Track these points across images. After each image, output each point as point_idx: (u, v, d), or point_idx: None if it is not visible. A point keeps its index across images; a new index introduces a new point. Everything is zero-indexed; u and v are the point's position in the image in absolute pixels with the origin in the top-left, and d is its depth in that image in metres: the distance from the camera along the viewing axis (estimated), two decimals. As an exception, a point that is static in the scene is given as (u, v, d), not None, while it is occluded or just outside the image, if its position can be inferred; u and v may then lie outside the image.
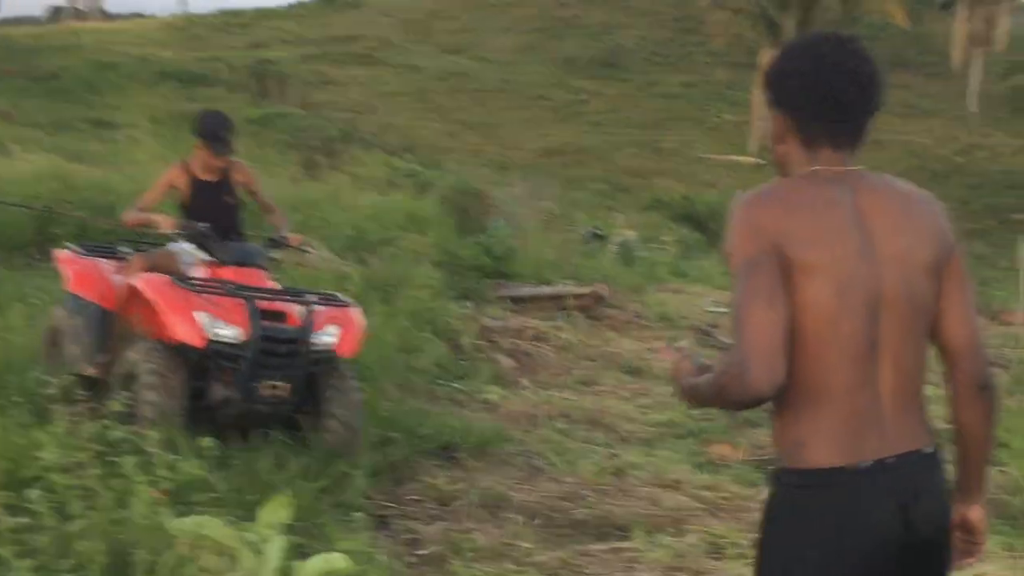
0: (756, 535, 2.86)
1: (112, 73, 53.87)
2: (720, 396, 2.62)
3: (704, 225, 32.35)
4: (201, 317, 6.61)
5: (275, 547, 4.95)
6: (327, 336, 6.94)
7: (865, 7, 58.22)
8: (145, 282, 6.87)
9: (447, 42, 67.67)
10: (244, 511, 5.53)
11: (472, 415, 8.99)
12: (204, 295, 6.76)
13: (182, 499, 5.54)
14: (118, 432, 5.56)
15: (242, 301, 6.75)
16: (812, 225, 2.65)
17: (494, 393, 9.78)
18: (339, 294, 7.66)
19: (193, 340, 6.58)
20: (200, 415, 6.66)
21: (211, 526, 5.09)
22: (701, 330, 13.38)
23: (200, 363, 6.76)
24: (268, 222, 8.16)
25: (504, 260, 13.92)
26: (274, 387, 6.77)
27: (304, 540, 5.52)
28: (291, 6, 75.02)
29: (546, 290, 13.46)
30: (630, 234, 19.27)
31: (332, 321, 7.02)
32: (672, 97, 60.57)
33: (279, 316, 6.94)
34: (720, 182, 47.86)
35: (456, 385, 9.85)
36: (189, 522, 5.08)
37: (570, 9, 73.83)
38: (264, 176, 19.75)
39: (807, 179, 2.75)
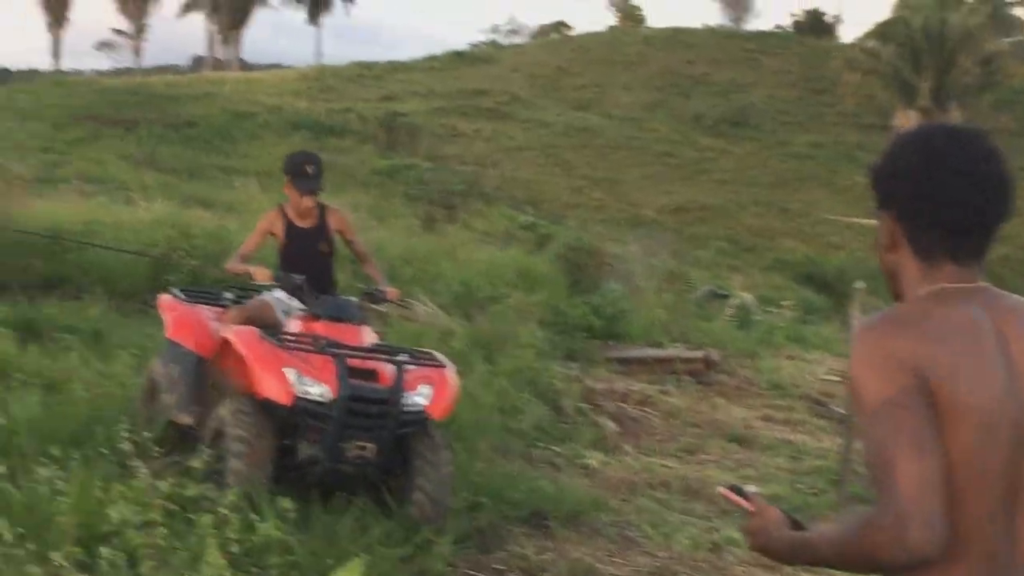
0: None
1: (247, 122, 55.23)
2: (866, 557, 2.23)
3: (828, 287, 31.80)
4: (290, 374, 6.46)
5: (343, 616, 4.83)
6: (418, 397, 6.73)
7: (1003, 71, 57.06)
8: (236, 335, 6.77)
9: (574, 98, 67.96)
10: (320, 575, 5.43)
11: (568, 480, 8.76)
12: (294, 351, 6.63)
13: (257, 561, 5.46)
14: (193, 490, 5.49)
15: (331, 358, 6.57)
16: (955, 356, 2.27)
17: (594, 458, 9.54)
18: (435, 353, 7.38)
19: (280, 397, 6.44)
20: (285, 473, 6.54)
21: (281, 591, 4.99)
22: (814, 400, 13.01)
23: (288, 420, 6.61)
24: (364, 272, 8.04)
25: (614, 321, 13.71)
26: (361, 448, 6.57)
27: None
28: (424, 59, 76.09)
29: (655, 353, 13.21)
30: (747, 296, 18.89)
31: (425, 381, 6.81)
32: (801, 157, 59.91)
33: (370, 375, 6.71)
34: (847, 244, 47.10)
35: (555, 448, 9.64)
36: (260, 586, 5.00)
37: (698, 67, 73.67)
38: (384, 228, 19.95)
39: (936, 299, 2.37)
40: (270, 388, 6.44)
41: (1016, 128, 63.45)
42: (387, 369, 6.74)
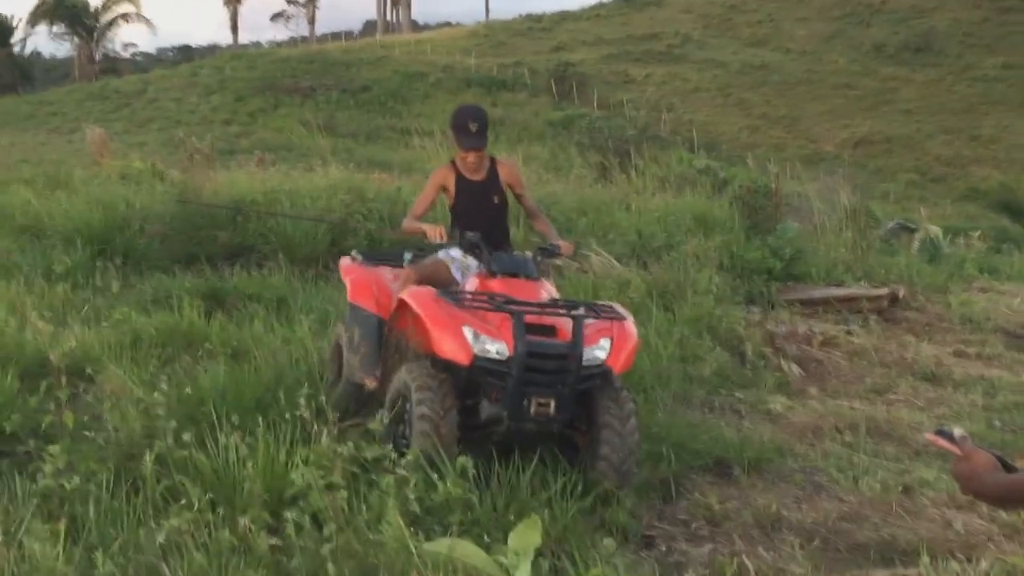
0: None
1: (419, 83, 55.94)
2: None
3: (1024, 215, 30.60)
4: (467, 332, 6.32)
5: (523, 573, 4.83)
6: (598, 351, 6.51)
7: None
8: (412, 295, 6.64)
9: (749, 35, 66.70)
10: (503, 532, 5.45)
11: (752, 427, 8.60)
12: (471, 309, 6.49)
13: (439, 520, 5.50)
14: (373, 452, 5.57)
15: (508, 315, 6.41)
16: None
17: (778, 403, 9.33)
18: (614, 305, 7.10)
19: (459, 357, 6.31)
20: (469, 433, 6.42)
21: (463, 549, 5.02)
22: (1009, 333, 12.51)
23: (469, 380, 6.47)
24: (535, 228, 7.88)
25: (794, 261, 13.39)
26: (543, 405, 6.39)
27: (559, 564, 5.37)
28: (592, 7, 75.64)
29: (838, 292, 12.86)
30: (934, 228, 18.27)
31: (604, 334, 6.60)
32: (989, 80, 57.67)
33: (548, 330, 6.52)
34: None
35: (738, 395, 9.46)
36: (441, 544, 5.03)
37: (877, -7, 71.35)
38: (559, 180, 19.90)
39: None
40: (448, 348, 6.33)
41: None
42: (566, 324, 6.54)
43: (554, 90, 54.20)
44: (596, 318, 6.66)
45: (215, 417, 6.03)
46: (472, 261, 7.12)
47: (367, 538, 5.01)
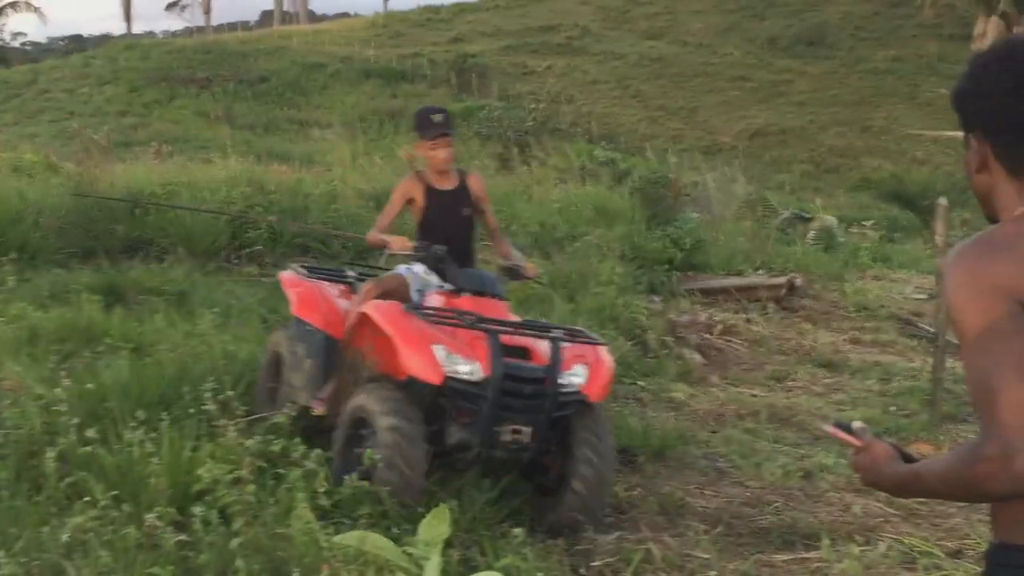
0: None
1: (318, 74, 55.48)
2: (972, 488, 2.20)
3: (914, 204, 31.29)
4: (438, 351, 5.92)
5: (433, 564, 4.86)
6: (574, 377, 6.14)
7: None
8: (377, 310, 6.20)
9: (646, 27, 67.26)
10: (412, 524, 5.46)
11: (655, 415, 8.71)
12: (441, 326, 6.09)
13: (348, 513, 5.50)
14: (280, 446, 5.55)
15: (483, 335, 6.03)
16: None
17: (680, 391, 9.48)
18: (585, 329, 6.85)
19: (430, 377, 5.88)
20: (434, 459, 6.01)
21: (373, 541, 5.02)
22: (902, 319, 12.82)
23: (434, 402, 6.09)
24: (494, 247, 7.40)
25: (694, 251, 13.59)
26: (517, 432, 6.02)
27: (469, 554, 5.40)
28: (490, -1, 75.58)
29: (737, 281, 13.08)
30: (830, 218, 18.63)
31: (579, 360, 6.23)
32: (880, 73, 58.82)
33: (522, 352, 6.15)
34: (932, 159, 46.25)
35: (641, 384, 9.58)
36: (351, 537, 5.03)
37: (771, -13, 72.37)
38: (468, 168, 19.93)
39: None
40: (418, 367, 5.90)
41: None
42: (539, 346, 6.20)
43: (454, 81, 54.14)
44: (572, 342, 6.34)
45: (118, 413, 5.96)
46: (434, 278, 6.70)
47: (276, 532, 4.99)
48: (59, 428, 5.78)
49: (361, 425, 5.98)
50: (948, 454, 2.36)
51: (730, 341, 11.22)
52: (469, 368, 5.92)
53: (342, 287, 7.39)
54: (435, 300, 6.49)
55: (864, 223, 20.94)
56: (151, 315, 8.94)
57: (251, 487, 5.05)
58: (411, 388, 5.97)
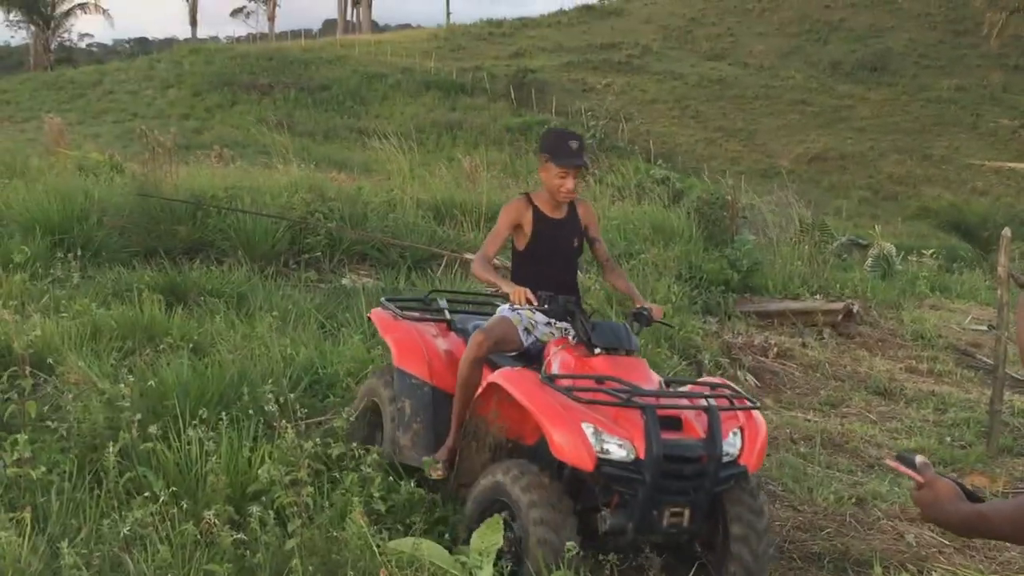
0: None
1: (378, 84, 55.86)
2: None
3: (973, 235, 31.00)
4: (587, 430, 5.30)
5: (485, 573, 4.88)
6: (728, 446, 5.56)
7: None
8: (511, 382, 5.55)
9: (708, 48, 67.13)
10: (465, 533, 5.49)
11: (708, 436, 8.69)
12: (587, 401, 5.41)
13: (402, 519, 5.54)
14: (338, 449, 5.59)
15: (636, 409, 5.38)
16: None
17: (734, 413, 9.44)
18: (731, 384, 6.12)
19: (581, 462, 5.26)
20: (584, 545, 5.41)
21: (427, 548, 5.05)
22: (959, 350, 12.70)
23: (579, 481, 5.54)
24: (611, 284, 6.64)
25: (750, 273, 13.53)
26: (676, 515, 5.43)
27: (523, 564, 5.41)
28: (553, 14, 75.80)
29: (793, 305, 13.01)
30: (888, 246, 18.49)
31: (732, 425, 5.65)
32: (943, 102, 58.39)
33: (674, 423, 5.51)
34: (992, 190, 45.82)
35: (694, 404, 9.55)
36: (406, 543, 5.06)
37: (835, 12, 72.07)
38: (518, 186, 19.97)
39: None
40: (569, 451, 5.27)
41: None
42: (690, 414, 5.59)
43: (513, 96, 54.32)
44: (727, 409, 5.70)
45: (179, 411, 6.03)
46: (539, 317, 6.16)
47: (331, 535, 5.03)
48: (121, 423, 5.84)
49: (499, 503, 5.44)
50: (1019, 498, 2.33)
51: (785, 364, 11.17)
52: (623, 449, 5.30)
53: (439, 326, 6.83)
54: (562, 358, 5.83)
55: (923, 252, 20.75)
56: (211, 316, 9.03)
57: (308, 489, 5.09)
58: (553, 465, 5.45)
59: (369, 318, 7.11)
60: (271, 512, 5.09)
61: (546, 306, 5.86)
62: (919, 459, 2.47)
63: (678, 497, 5.38)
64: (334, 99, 52.25)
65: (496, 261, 6.31)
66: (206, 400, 6.45)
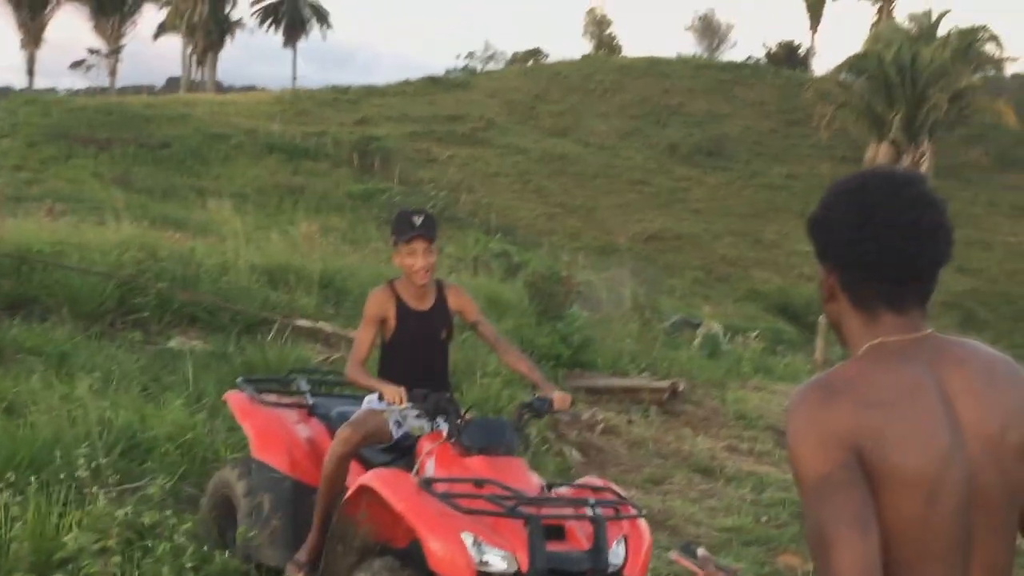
0: None
1: (221, 144, 55.23)
2: None
3: (799, 318, 32.00)
4: (467, 540, 5.00)
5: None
6: (613, 557, 5.27)
7: (974, 106, 57.62)
8: (386, 485, 5.25)
9: (551, 125, 68.21)
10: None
11: (531, 510, 8.74)
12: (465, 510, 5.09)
13: (213, 590, 5.45)
14: (150, 518, 5.48)
15: (519, 519, 5.08)
16: (892, 423, 2.21)
17: (558, 487, 9.52)
18: (619, 491, 5.77)
19: (459, 573, 4.98)
20: None
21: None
22: (779, 431, 13.05)
23: None
24: (508, 366, 6.34)
25: (581, 349, 13.73)
26: None
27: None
28: (399, 83, 76.17)
29: (621, 382, 13.24)
30: (716, 326, 18.97)
31: (615, 534, 5.34)
32: (775, 188, 60.34)
33: (557, 532, 5.22)
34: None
35: (519, 477, 9.61)
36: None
37: (675, 96, 74.13)
38: (356, 252, 19.92)
39: (874, 358, 2.30)
40: (445, 562, 4.98)
41: (987, 163, 64.11)
42: (575, 523, 5.30)
43: (356, 162, 54.29)
44: (614, 517, 5.41)
45: (-16, 473, 5.84)
46: (411, 411, 5.78)
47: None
48: (-79, 485, 5.64)
49: None
50: None
51: (611, 440, 11.33)
52: (505, 562, 5.00)
53: (300, 411, 6.51)
54: (437, 458, 5.51)
55: (749, 333, 21.33)
56: (28, 375, 8.76)
57: (116, 558, 4.98)
58: (414, 557, 5.16)
59: (224, 401, 6.77)
60: (78, 581, 4.97)
61: (420, 405, 5.55)
62: (700, 552, 2.55)
63: None
64: (175, 157, 51.44)
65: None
66: (16, 463, 6.24)
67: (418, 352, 5.85)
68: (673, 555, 2.64)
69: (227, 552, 5.77)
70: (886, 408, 2.21)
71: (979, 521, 2.25)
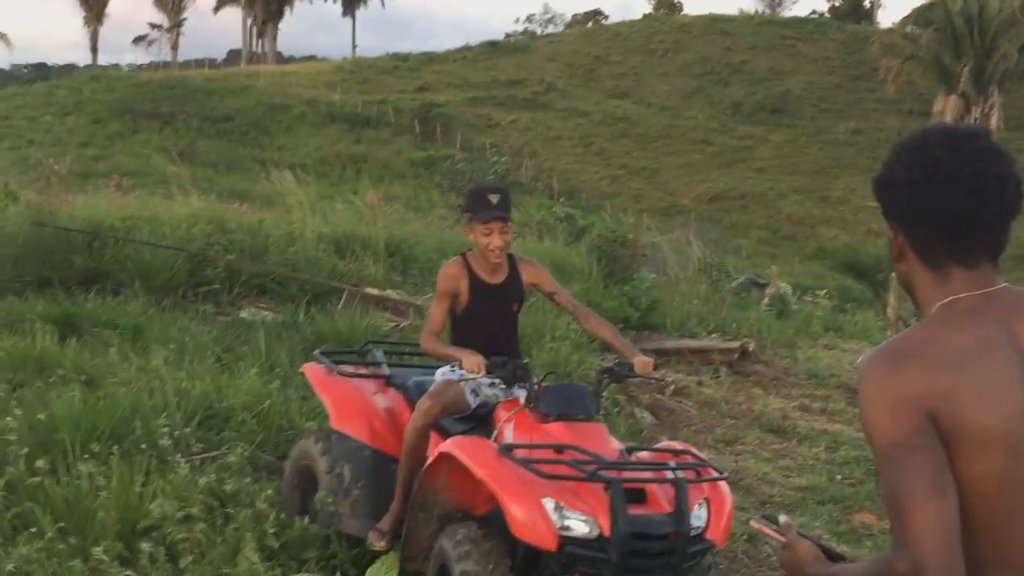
0: None
1: (283, 115, 55.62)
2: None
3: (867, 275, 31.63)
4: (549, 505, 4.97)
5: (378, 609, 4.88)
6: (697, 520, 5.22)
7: (1044, 55, 56.50)
8: (466, 452, 5.25)
9: (612, 87, 67.91)
10: (359, 570, 5.48)
11: (604, 473, 8.76)
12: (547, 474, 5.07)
13: (295, 555, 5.51)
14: (232, 485, 5.55)
15: (600, 483, 5.06)
16: (967, 383, 2.20)
17: (630, 450, 9.53)
18: (699, 454, 5.87)
19: (543, 541, 4.94)
20: None
21: (321, 583, 5.05)
22: (851, 389, 12.95)
23: (536, 557, 5.21)
24: (587, 328, 6.39)
25: (649, 312, 13.68)
26: None
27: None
28: (459, 50, 76.16)
29: (691, 343, 13.17)
30: (784, 285, 18.82)
31: (697, 497, 5.31)
32: (840, 144, 59.68)
33: (638, 496, 5.18)
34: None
35: (591, 441, 9.62)
36: (299, 579, 5.06)
37: (737, 54, 73.41)
38: (420, 220, 19.97)
39: (944, 319, 2.29)
40: (530, 530, 4.94)
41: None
42: (655, 487, 5.26)
43: (417, 130, 54.43)
44: (695, 480, 5.36)
45: (68, 445, 5.94)
46: (484, 379, 5.80)
47: (223, 572, 4.99)
48: (8, 457, 5.75)
49: (445, 573, 5.25)
50: (866, 563, 2.42)
51: (682, 402, 11.30)
52: (587, 526, 4.97)
53: (377, 382, 6.55)
54: (516, 425, 5.52)
55: (817, 292, 21.16)
56: (105, 348, 8.89)
57: (200, 525, 5.06)
58: (505, 536, 5.13)
59: (302, 373, 6.80)
60: (162, 548, 5.04)
61: (499, 372, 5.57)
62: (783, 519, 2.54)
63: (644, 575, 5.07)
64: (237, 129, 51.90)
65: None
66: (97, 434, 6.36)
67: (490, 324, 5.89)
68: (755, 524, 2.63)
69: (307, 518, 5.85)
70: (958, 369, 2.21)
71: None
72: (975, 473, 2.19)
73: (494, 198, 5.81)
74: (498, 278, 5.93)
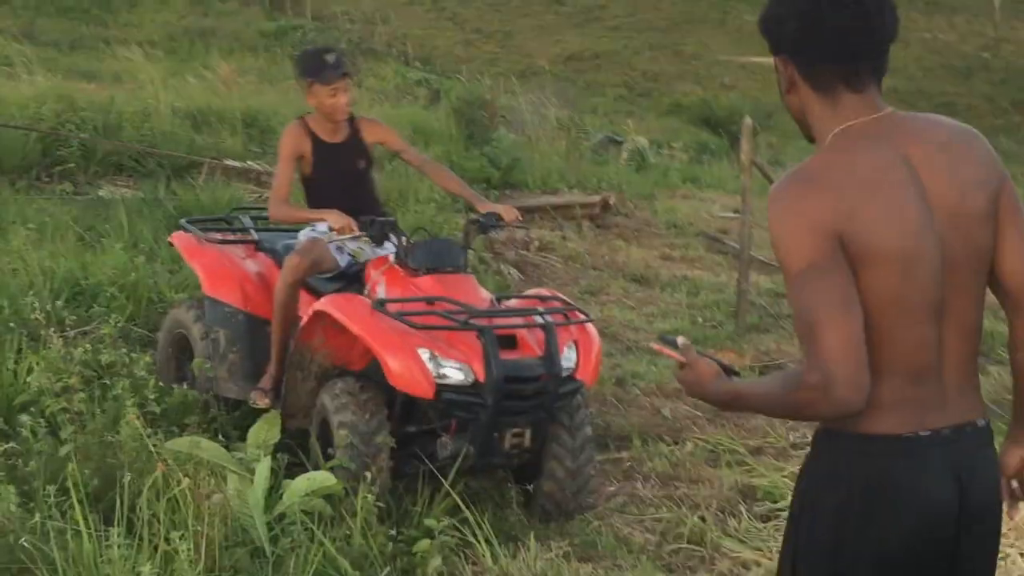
0: (795, 497, 2.62)
1: (126, -11, 53.73)
2: (793, 411, 2.42)
3: (722, 127, 32.11)
4: (423, 355, 5.12)
5: (264, 467, 5.00)
6: (566, 362, 5.38)
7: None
8: (341, 310, 5.30)
9: (462, -52, 66.85)
10: (239, 433, 5.59)
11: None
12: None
13: (176, 421, 5.60)
14: (108, 356, 5.59)
15: (472, 331, 5.20)
16: (870, 204, 2.35)
17: (498, 305, 9.73)
18: (567, 299, 5.99)
19: (421, 390, 5.11)
20: (412, 465, 5.37)
21: (203, 446, 5.14)
22: (709, 236, 13.33)
23: (412, 406, 5.42)
24: (443, 187, 6.67)
25: (510, 170, 13.83)
26: (518, 436, 5.32)
27: (300, 458, 5.54)
28: (304, -84, 73.90)
29: (553, 199, 13.38)
30: (642, 140, 19.10)
31: (565, 339, 5.46)
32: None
33: (509, 342, 5.31)
34: (739, 84, 47.43)
35: (459, 298, 9.79)
36: (182, 442, 5.14)
37: (585, -89, 72.74)
38: (275, 92, 19.67)
39: (842, 145, 2.44)
40: (407, 379, 5.10)
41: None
42: (525, 332, 5.40)
43: (266, 0, 53.06)
44: (563, 323, 5.51)
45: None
46: (366, 244, 5.89)
47: (106, 439, 5.05)
48: None
49: (326, 428, 5.37)
50: (771, 378, 2.59)
51: (547, 257, 11.52)
52: (462, 373, 5.15)
53: (246, 247, 6.54)
54: (387, 281, 5.60)
55: (674, 145, 21.49)
56: (-39, 232, 8.73)
57: (79, 395, 5.09)
58: (384, 388, 5.29)
59: (170, 242, 6.80)
60: (42, 421, 5.08)
61: (368, 231, 5.61)
62: (680, 340, 2.62)
63: (519, 418, 5.29)
64: (79, 7, 49.87)
65: None
66: (-38, 317, 6.31)
67: (340, 184, 5.96)
68: (654, 345, 2.72)
69: (185, 386, 5.93)
70: (860, 190, 2.37)
71: (950, 286, 2.43)
72: (874, 289, 2.35)
73: (330, 58, 5.87)
74: (339, 137, 6.02)
